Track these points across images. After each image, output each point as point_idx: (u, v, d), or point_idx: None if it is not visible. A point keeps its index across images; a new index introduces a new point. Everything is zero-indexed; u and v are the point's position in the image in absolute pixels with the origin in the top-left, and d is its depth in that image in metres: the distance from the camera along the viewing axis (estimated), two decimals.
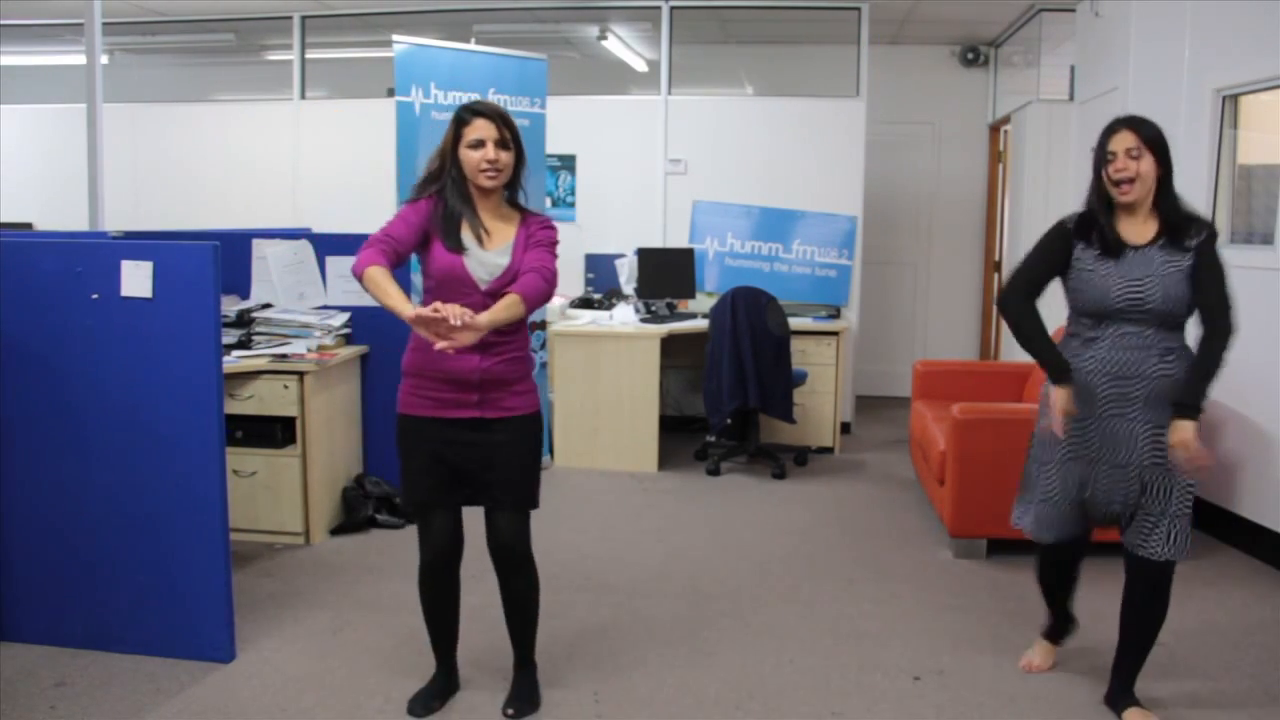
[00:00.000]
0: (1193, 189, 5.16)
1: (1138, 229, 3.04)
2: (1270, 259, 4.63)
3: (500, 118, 2.97)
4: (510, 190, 3.07)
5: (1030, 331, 3.12)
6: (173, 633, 3.47)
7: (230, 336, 4.65)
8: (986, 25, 8.00)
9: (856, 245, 7.30)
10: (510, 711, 3.16)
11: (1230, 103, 5.01)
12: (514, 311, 2.86)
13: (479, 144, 2.94)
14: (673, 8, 7.45)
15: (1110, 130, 3.03)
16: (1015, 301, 3.15)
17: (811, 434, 6.74)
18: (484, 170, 2.95)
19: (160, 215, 7.67)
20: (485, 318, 2.77)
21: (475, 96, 5.82)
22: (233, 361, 4.48)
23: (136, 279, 3.33)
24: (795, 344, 6.33)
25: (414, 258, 3.03)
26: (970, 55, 8.49)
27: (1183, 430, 2.95)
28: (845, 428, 7.24)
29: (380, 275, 2.81)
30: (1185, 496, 3.02)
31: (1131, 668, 3.19)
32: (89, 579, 3.51)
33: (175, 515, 3.41)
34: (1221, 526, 4.90)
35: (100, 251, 3.44)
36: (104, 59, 5.41)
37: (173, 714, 3.13)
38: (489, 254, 2.97)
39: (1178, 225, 2.99)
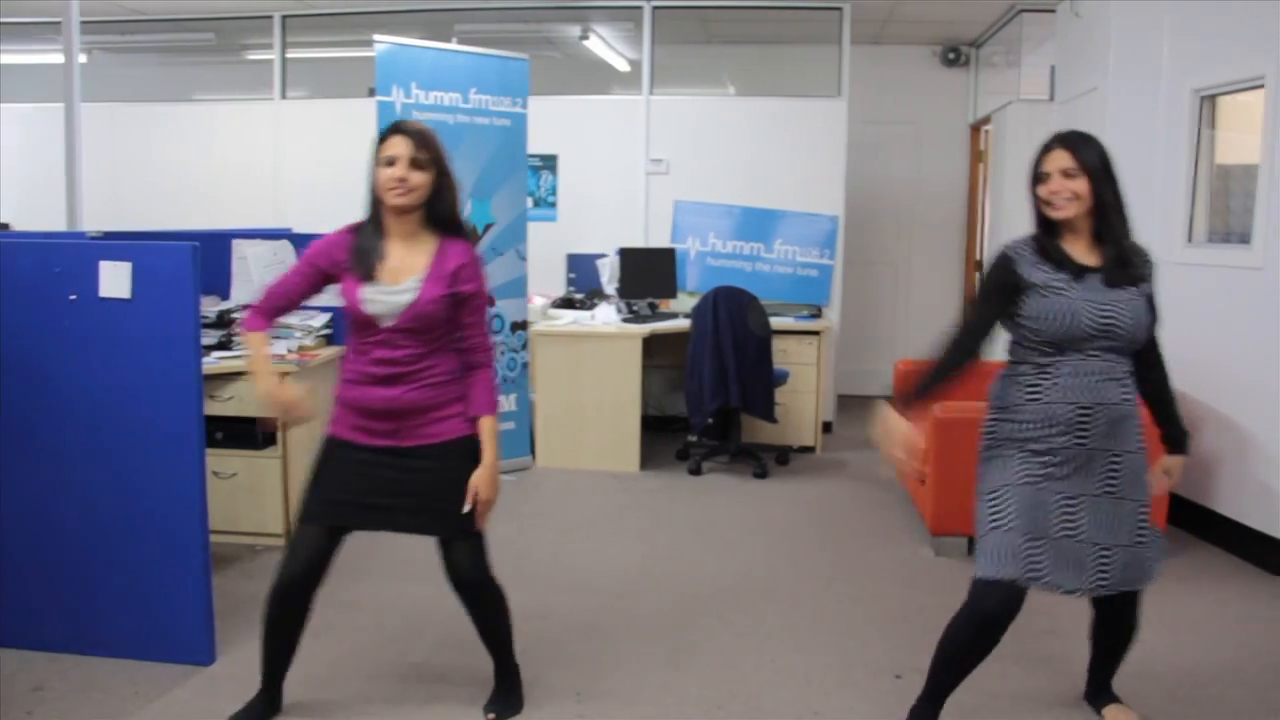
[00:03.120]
0: (1171, 189, 5.20)
1: (1083, 256, 2.82)
2: (1247, 258, 4.66)
3: (420, 137, 2.85)
4: (433, 212, 2.91)
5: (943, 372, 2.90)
6: (153, 635, 3.45)
7: (210, 337, 4.62)
8: (967, 25, 8.03)
9: (838, 245, 7.32)
10: (491, 715, 3.15)
11: (1208, 103, 5.05)
12: (494, 433, 2.97)
13: (390, 161, 2.82)
14: (654, 7, 7.46)
15: (1045, 148, 2.85)
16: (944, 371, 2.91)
17: (793, 433, 6.75)
18: (392, 188, 2.82)
19: (139, 215, 7.62)
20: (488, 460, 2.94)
21: (457, 96, 5.82)
22: (213, 362, 4.46)
23: (115, 280, 3.31)
24: (777, 343, 6.34)
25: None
26: (951, 55, 8.52)
27: (1177, 465, 3.03)
28: (827, 427, 7.26)
29: (254, 339, 2.98)
30: (1139, 522, 2.84)
31: (1107, 671, 3.20)
32: (67, 582, 3.48)
33: (155, 517, 3.39)
34: (1200, 524, 4.94)
35: (78, 252, 3.41)
36: (82, 58, 5.38)
37: (153, 717, 3.11)
38: (391, 288, 2.85)
39: (1125, 256, 2.80)
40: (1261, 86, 4.58)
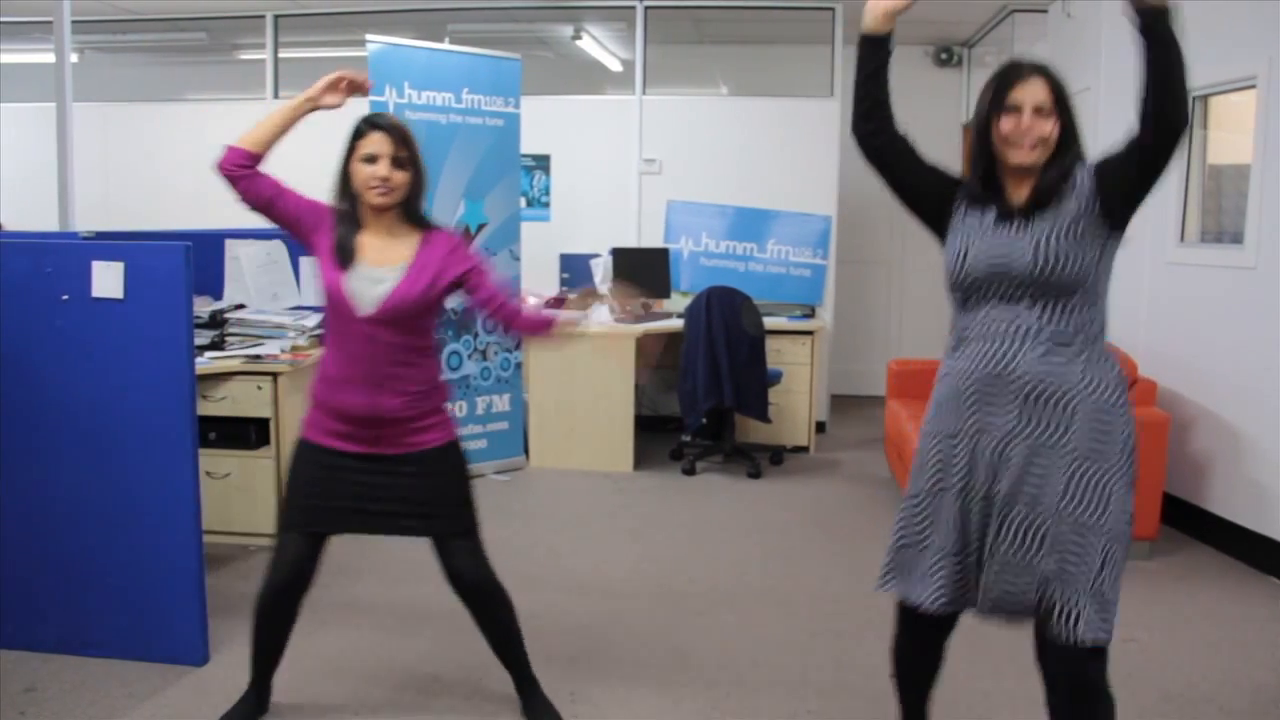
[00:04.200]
0: (1164, 189, 5.21)
1: (1020, 195, 2.34)
2: (1240, 258, 4.67)
3: (400, 134, 2.81)
4: (408, 209, 2.87)
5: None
6: (146, 636, 3.44)
7: (203, 337, 4.61)
8: (960, 26, 8.04)
9: (831, 244, 7.33)
10: None
11: (1200, 103, 5.06)
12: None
13: (372, 159, 2.77)
14: (647, 7, 7.45)
15: (1015, 74, 2.27)
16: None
17: (787, 433, 6.75)
18: (374, 187, 2.77)
19: (132, 215, 7.60)
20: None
21: (449, 96, 5.81)
22: (205, 363, 4.45)
23: (107, 280, 3.30)
24: (770, 343, 6.34)
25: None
26: (944, 55, 8.53)
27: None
28: (820, 427, 7.26)
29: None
30: (1093, 550, 2.18)
31: None
32: (60, 582, 3.47)
33: (148, 518, 3.38)
34: (1192, 523, 4.95)
35: (70, 252, 3.40)
36: (74, 58, 5.37)
37: (145, 718, 3.11)
38: (372, 272, 2.78)
39: (1055, 181, 2.28)
40: (1253, 87, 4.60)
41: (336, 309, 2.81)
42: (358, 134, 2.83)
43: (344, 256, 2.80)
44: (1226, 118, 5.05)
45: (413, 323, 2.83)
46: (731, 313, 6.00)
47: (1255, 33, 4.57)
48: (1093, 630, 2.17)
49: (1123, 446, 2.22)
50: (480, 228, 6.00)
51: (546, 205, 7.56)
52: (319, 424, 2.89)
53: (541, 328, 2.90)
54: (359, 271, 2.78)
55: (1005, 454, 2.24)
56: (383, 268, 2.79)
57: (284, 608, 2.98)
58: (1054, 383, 2.20)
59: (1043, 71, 2.26)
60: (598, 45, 8.31)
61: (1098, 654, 2.22)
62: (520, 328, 2.90)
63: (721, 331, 5.97)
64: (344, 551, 4.60)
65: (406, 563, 4.44)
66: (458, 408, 5.91)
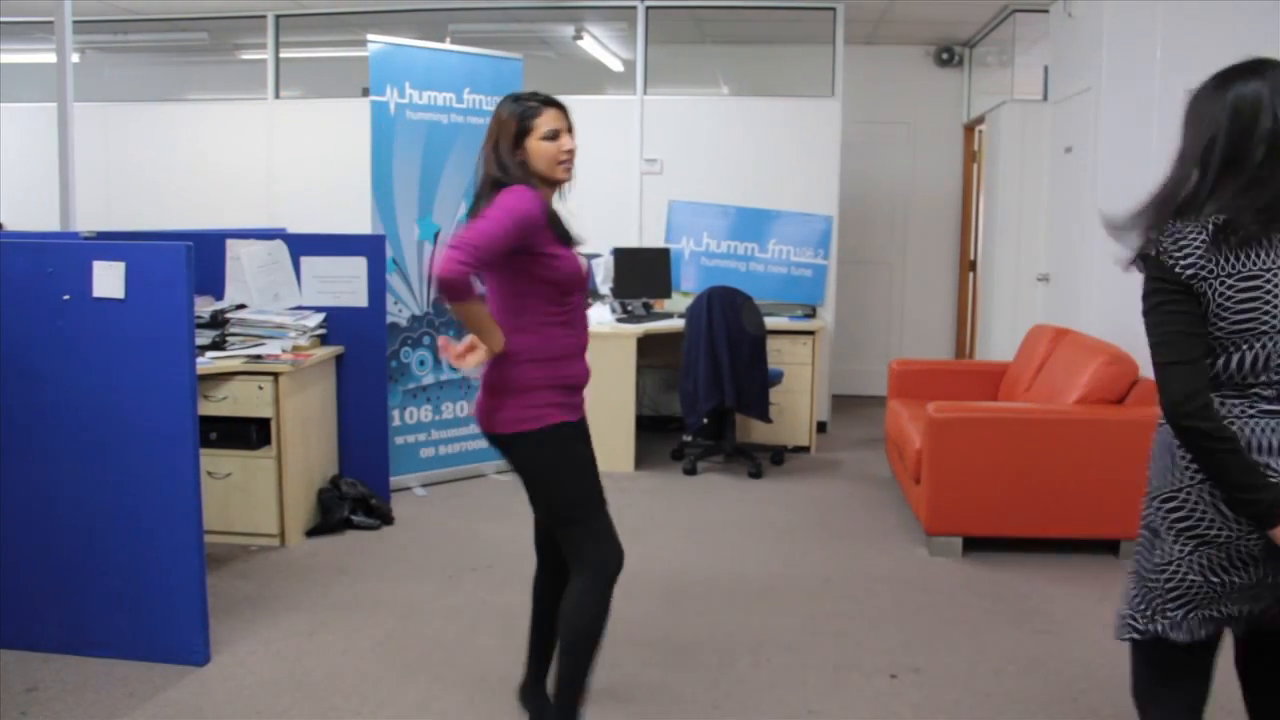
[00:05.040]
0: None
1: None
2: None
3: (565, 108, 2.86)
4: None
5: (1230, 445, 1.89)
6: (147, 636, 3.44)
7: (204, 337, 4.62)
8: (961, 25, 8.04)
9: (832, 245, 7.33)
10: None
11: None
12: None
13: (554, 135, 2.78)
14: (648, 7, 7.45)
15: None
16: (1201, 409, 1.89)
17: (787, 433, 6.75)
18: (562, 162, 2.80)
19: (133, 216, 7.61)
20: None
21: (450, 96, 5.81)
22: (206, 363, 4.45)
23: (108, 280, 3.30)
24: (771, 343, 6.34)
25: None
26: (945, 55, 8.53)
27: None
28: (821, 427, 7.26)
29: (481, 311, 2.62)
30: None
31: None
32: (62, 582, 3.47)
33: (149, 518, 3.38)
34: None
35: (72, 252, 3.41)
36: (75, 58, 5.37)
37: (146, 718, 3.11)
38: (581, 251, 2.86)
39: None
40: None
41: (572, 289, 2.78)
42: (528, 114, 2.79)
43: (571, 238, 2.81)
44: None
45: None
46: (732, 313, 6.00)
47: (1257, 32, 4.57)
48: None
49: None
50: None
51: None
52: (553, 402, 2.75)
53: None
54: (578, 251, 2.83)
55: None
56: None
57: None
58: None
59: None
60: (599, 45, 8.32)
61: None
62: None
63: (723, 331, 5.97)
64: (344, 551, 4.62)
65: (406, 563, 4.45)
66: (458, 408, 5.91)
